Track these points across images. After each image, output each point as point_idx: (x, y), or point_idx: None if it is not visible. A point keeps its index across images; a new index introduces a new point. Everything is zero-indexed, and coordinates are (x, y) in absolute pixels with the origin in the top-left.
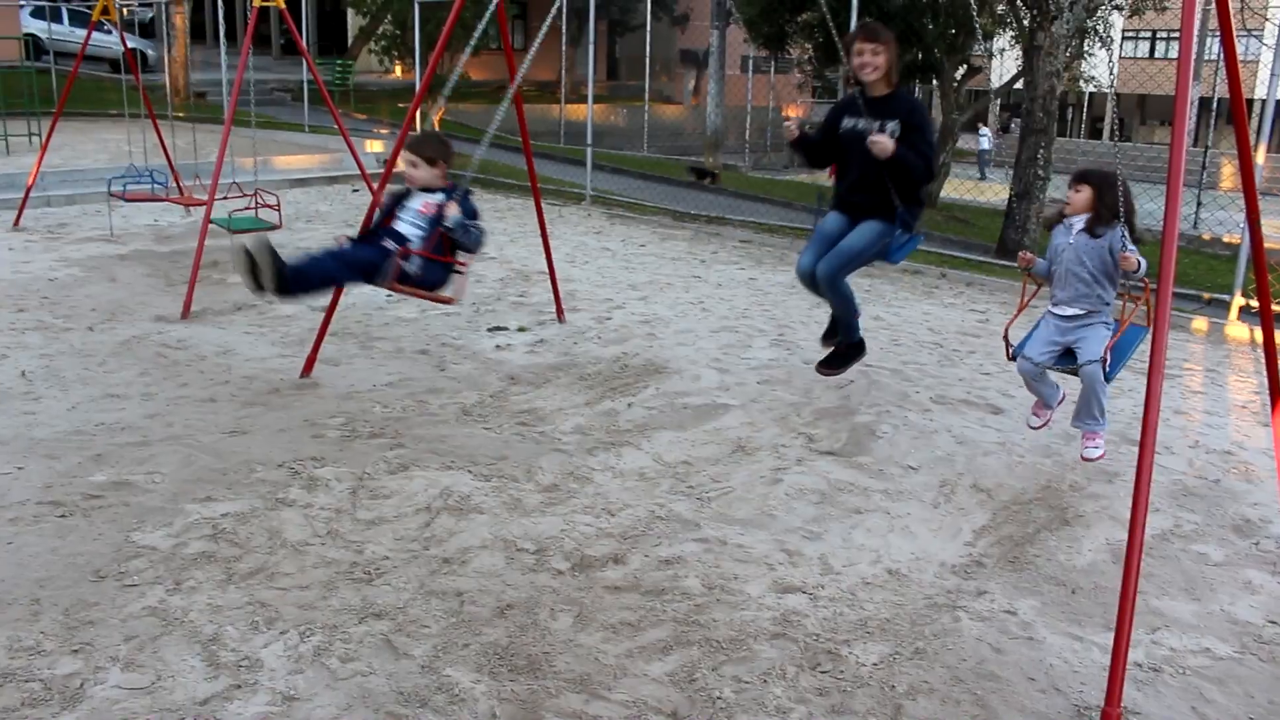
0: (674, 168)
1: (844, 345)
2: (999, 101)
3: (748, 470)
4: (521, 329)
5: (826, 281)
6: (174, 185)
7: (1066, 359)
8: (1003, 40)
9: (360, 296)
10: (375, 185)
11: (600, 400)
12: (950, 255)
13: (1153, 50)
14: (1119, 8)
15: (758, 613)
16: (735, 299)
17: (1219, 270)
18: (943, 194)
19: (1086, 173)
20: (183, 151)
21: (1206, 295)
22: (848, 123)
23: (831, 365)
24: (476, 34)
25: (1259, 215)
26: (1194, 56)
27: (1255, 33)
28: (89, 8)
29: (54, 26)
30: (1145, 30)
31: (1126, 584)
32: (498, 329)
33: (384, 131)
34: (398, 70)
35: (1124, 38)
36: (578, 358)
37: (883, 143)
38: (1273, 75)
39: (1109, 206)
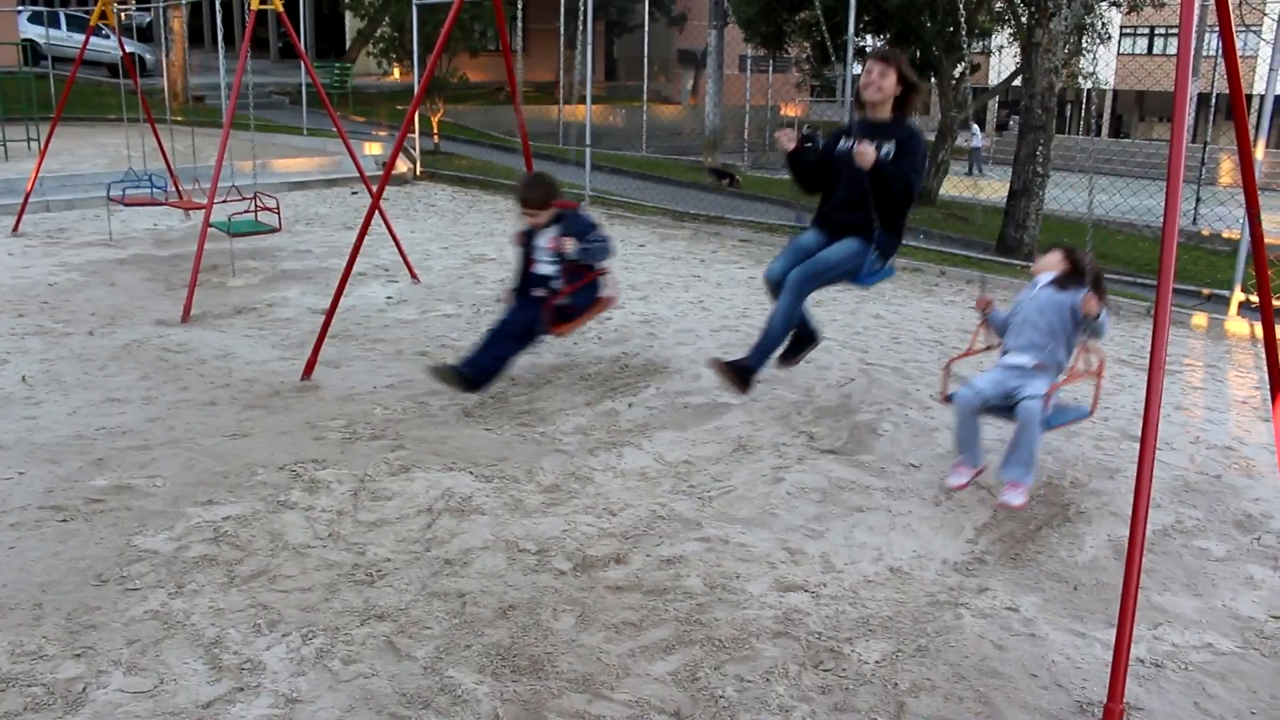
0: (673, 168)
1: (746, 363)
2: (998, 99)
3: (749, 469)
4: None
5: (794, 285)
6: (173, 189)
7: (1007, 412)
8: (1001, 37)
9: (360, 299)
10: (374, 188)
11: (601, 400)
12: (950, 253)
13: (1151, 46)
14: (1117, 4)
15: (760, 611)
16: (735, 298)
17: (1218, 265)
18: (941, 191)
19: (1071, 248)
20: (181, 155)
21: (1206, 291)
22: (844, 144)
23: (728, 367)
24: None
25: (1259, 210)
26: (1192, 52)
27: (1254, 28)
28: (87, 13)
29: (52, 32)
30: (1144, 27)
31: (1128, 580)
32: None
33: (382, 134)
34: (396, 73)
35: (1122, 34)
36: (578, 358)
37: (867, 151)
38: (1271, 70)
39: (1080, 268)
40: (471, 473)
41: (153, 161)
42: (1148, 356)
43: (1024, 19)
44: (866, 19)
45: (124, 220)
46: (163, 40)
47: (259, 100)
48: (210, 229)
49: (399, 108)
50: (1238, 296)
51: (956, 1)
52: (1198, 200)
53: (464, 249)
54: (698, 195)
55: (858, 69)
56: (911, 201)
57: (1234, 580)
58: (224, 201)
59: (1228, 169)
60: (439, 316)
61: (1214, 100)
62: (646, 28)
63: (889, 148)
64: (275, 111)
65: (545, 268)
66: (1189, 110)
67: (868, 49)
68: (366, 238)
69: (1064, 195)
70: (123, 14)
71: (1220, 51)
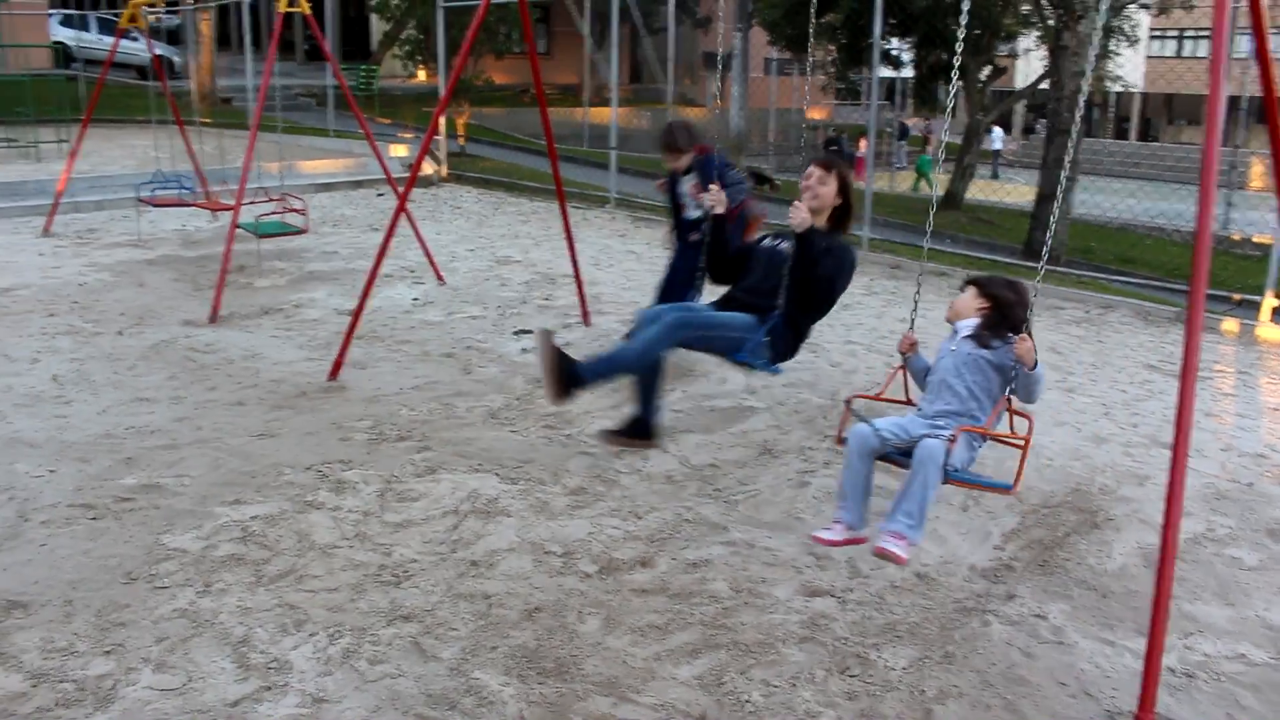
0: None
1: (638, 419)
2: (1024, 102)
3: (774, 473)
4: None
5: (670, 324)
6: (201, 190)
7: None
8: (1028, 40)
9: (386, 300)
10: (400, 189)
11: (626, 403)
12: (976, 257)
13: (1180, 49)
14: (1146, 6)
15: (786, 616)
16: None
17: (1249, 270)
18: (967, 195)
19: (979, 278)
20: (209, 157)
21: (1237, 296)
22: (768, 241)
23: (623, 434)
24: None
25: None
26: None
27: None
28: (117, 16)
29: (83, 35)
30: (1173, 29)
31: (1160, 588)
32: (523, 332)
33: (408, 135)
34: (421, 74)
35: (1151, 36)
36: None
37: (802, 212)
38: None
39: (1004, 320)
40: (497, 474)
41: (181, 163)
42: (1177, 362)
43: (1051, 22)
44: (893, 21)
45: (152, 221)
46: (191, 43)
47: (286, 102)
48: (237, 230)
49: (425, 110)
50: (1270, 302)
51: (983, 4)
52: (1228, 204)
53: (489, 251)
54: None
55: (884, 72)
56: (828, 304)
57: (1267, 590)
58: (251, 203)
59: (1258, 172)
60: (465, 318)
61: (1245, 103)
62: (671, 31)
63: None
64: (302, 113)
65: (693, 212)
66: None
67: (894, 52)
68: (393, 239)
69: (1092, 199)
70: (152, 17)
71: (1252, 53)
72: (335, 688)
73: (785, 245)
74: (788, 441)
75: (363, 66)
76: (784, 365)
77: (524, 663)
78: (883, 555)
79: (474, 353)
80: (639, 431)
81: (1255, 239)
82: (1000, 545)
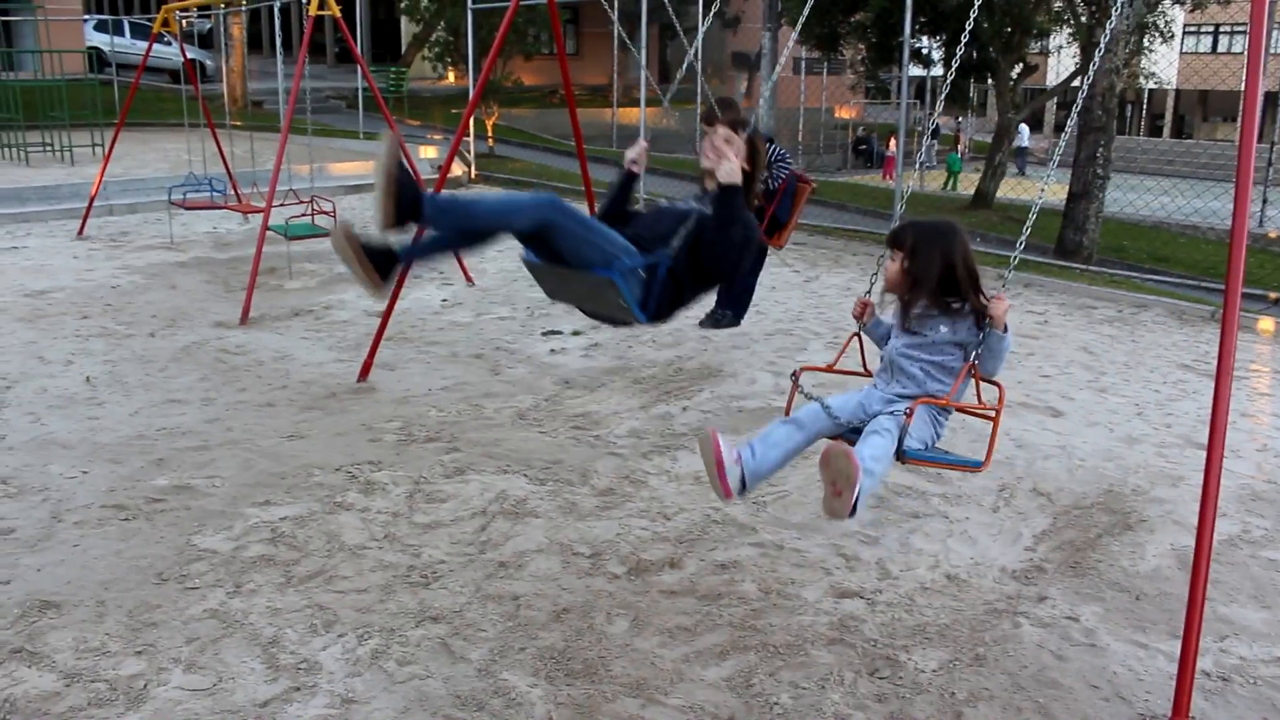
0: None
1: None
2: (1056, 100)
3: (804, 474)
4: (576, 333)
5: (545, 201)
6: (232, 193)
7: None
8: (1060, 38)
9: (415, 301)
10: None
11: (655, 404)
12: (1007, 255)
13: (1215, 45)
14: (1180, 2)
15: (815, 618)
16: (789, 302)
17: None
18: (998, 194)
19: (896, 231)
20: (241, 160)
21: (1273, 295)
22: (666, 203)
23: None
24: None
25: None
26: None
27: None
28: (150, 21)
29: (116, 39)
30: (1208, 24)
31: (1194, 590)
32: (552, 333)
33: (438, 137)
34: (451, 76)
35: (1185, 32)
36: (632, 361)
37: (734, 164)
38: None
39: (924, 282)
40: (526, 475)
41: (213, 166)
42: (1212, 362)
43: (1084, 19)
44: (923, 20)
45: (184, 223)
46: (223, 47)
47: (316, 105)
48: (268, 232)
49: (454, 111)
50: None
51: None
52: (1264, 201)
53: (518, 252)
54: None
55: (914, 70)
56: (720, 276)
57: None
58: (282, 205)
59: None
60: (494, 319)
61: None
62: (701, 30)
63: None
64: (332, 116)
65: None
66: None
67: (924, 50)
68: None
69: (1124, 197)
70: (184, 21)
71: None
72: (364, 688)
73: (687, 205)
74: (817, 443)
75: (392, 68)
76: (650, 326)
77: (552, 664)
78: (834, 454)
79: (503, 354)
80: (382, 262)
81: None
82: (1031, 547)
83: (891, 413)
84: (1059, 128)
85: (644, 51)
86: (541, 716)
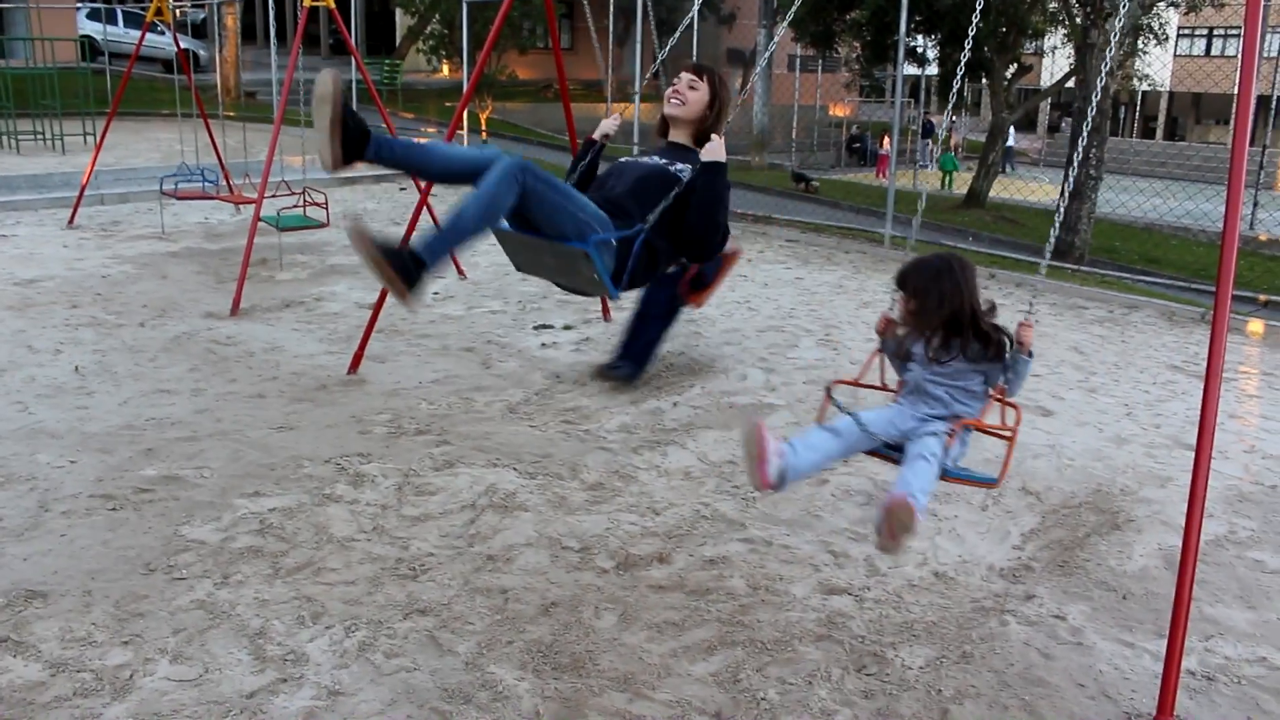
0: None
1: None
2: (1049, 100)
3: None
4: (567, 327)
5: (514, 171)
6: (224, 184)
7: (897, 451)
8: (1054, 38)
9: None
10: (422, 185)
11: (645, 399)
12: (999, 255)
13: (1209, 48)
14: (1175, 4)
15: (803, 614)
16: (781, 298)
17: (1276, 271)
18: (991, 193)
19: (902, 272)
20: (233, 150)
21: (1263, 297)
22: (638, 155)
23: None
24: None
25: None
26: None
27: None
28: (143, 9)
29: (109, 28)
30: (1202, 27)
31: (1180, 590)
32: (543, 327)
33: (431, 130)
34: (445, 69)
35: (1179, 35)
36: None
37: (718, 144)
38: None
39: (932, 321)
40: (515, 469)
41: (205, 156)
42: (1202, 363)
43: (1079, 20)
44: (918, 19)
45: (176, 214)
46: (216, 37)
47: (310, 96)
48: (260, 223)
49: (448, 104)
50: None
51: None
52: (1255, 205)
53: None
54: (744, 194)
55: (909, 69)
56: (716, 242)
57: None
58: (274, 196)
59: None
60: (485, 313)
61: (1274, 103)
62: (695, 26)
63: (685, 169)
64: None
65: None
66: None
67: (919, 49)
68: (414, 234)
69: (1116, 198)
70: (178, 10)
71: None
72: (351, 680)
73: (648, 159)
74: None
75: (387, 61)
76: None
77: (540, 658)
78: (894, 503)
79: (494, 347)
80: (408, 272)
81: None
82: (1019, 545)
83: (934, 433)
84: (1052, 129)
85: (639, 47)
86: (528, 710)
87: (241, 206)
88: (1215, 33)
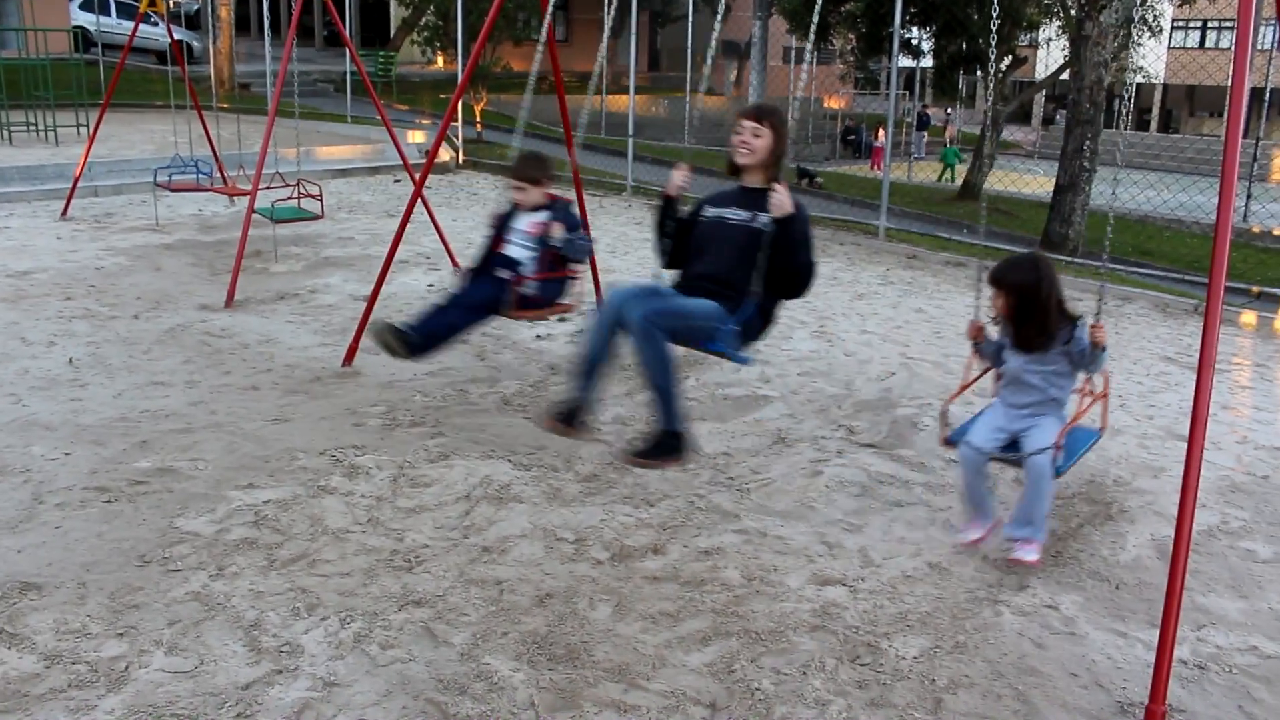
0: (716, 159)
1: (663, 431)
2: (1044, 92)
3: (788, 462)
4: (562, 319)
5: (641, 324)
6: (218, 175)
7: (1013, 449)
8: (1049, 30)
9: (401, 286)
10: (417, 176)
11: (640, 390)
12: (994, 247)
13: (1203, 40)
14: None
15: (797, 604)
16: None
17: (1269, 263)
18: (986, 185)
19: (996, 275)
20: (227, 142)
21: (1255, 289)
22: (711, 212)
23: (647, 455)
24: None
25: None
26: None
27: None
28: (136, 0)
29: (102, 19)
30: (1195, 20)
31: (1173, 580)
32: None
33: (426, 122)
34: (440, 61)
35: (1173, 27)
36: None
37: (783, 198)
38: None
39: (1027, 315)
40: (510, 461)
41: (199, 148)
42: (1195, 355)
43: (1073, 11)
44: (914, 10)
45: (170, 205)
46: (210, 28)
47: (304, 88)
48: (254, 215)
49: (442, 96)
50: None
51: None
52: (1248, 196)
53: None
54: None
55: (904, 61)
56: (809, 282)
57: None
58: (268, 188)
59: (1279, 165)
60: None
61: (1268, 95)
62: (690, 18)
63: (768, 220)
64: (320, 99)
65: (517, 251)
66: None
67: (914, 41)
68: (409, 225)
69: (1111, 190)
70: (171, 2)
71: (1275, 45)
72: (346, 672)
73: (731, 213)
74: (801, 430)
75: (381, 53)
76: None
77: (535, 648)
78: (1018, 564)
79: (488, 339)
80: (571, 420)
81: (1276, 231)
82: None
83: (1042, 450)
84: (1047, 121)
85: (634, 39)
86: (524, 700)
87: (235, 198)
88: (1209, 25)
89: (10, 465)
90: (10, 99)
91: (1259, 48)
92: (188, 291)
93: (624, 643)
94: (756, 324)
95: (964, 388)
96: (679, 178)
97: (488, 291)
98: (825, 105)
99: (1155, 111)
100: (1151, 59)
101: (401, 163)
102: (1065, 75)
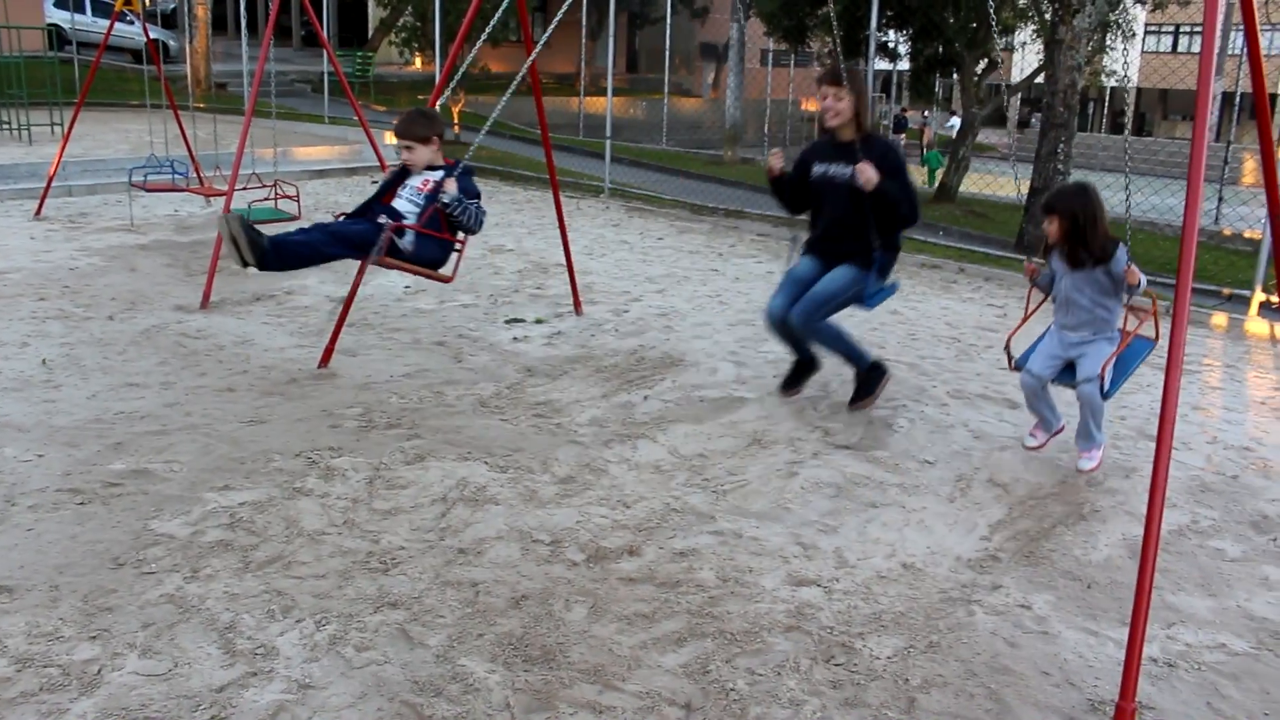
0: (692, 161)
1: (861, 373)
2: (1019, 96)
3: (763, 463)
4: (539, 321)
5: (803, 328)
6: (194, 176)
7: (1069, 374)
8: (1024, 34)
9: (378, 288)
10: None
11: (617, 392)
12: (969, 249)
13: (1176, 44)
14: (1141, 1)
15: (772, 605)
16: (753, 292)
17: (1240, 266)
18: (961, 188)
19: (1050, 202)
20: (203, 142)
21: (1227, 291)
22: (819, 168)
23: (860, 397)
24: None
25: None
26: (1217, 50)
27: None
28: None
29: (77, 17)
30: (1168, 24)
31: (1142, 579)
32: (515, 321)
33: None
34: (418, 62)
35: (1146, 32)
36: (594, 350)
37: (869, 173)
38: None
39: (1075, 233)
40: (486, 463)
41: (175, 148)
42: (1165, 356)
43: (1047, 15)
44: (889, 14)
45: (145, 206)
46: (186, 27)
47: (281, 88)
48: None
49: (420, 97)
50: (1258, 297)
51: None
52: (1220, 199)
53: (482, 239)
54: (717, 189)
55: (880, 64)
56: (917, 217)
57: (1249, 581)
58: (244, 188)
59: (1251, 168)
60: (457, 306)
61: (1238, 99)
62: (669, 20)
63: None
64: (297, 99)
65: (405, 205)
66: (1212, 109)
67: (890, 44)
68: None
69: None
70: (147, 0)
71: (1245, 50)
72: (321, 674)
73: (835, 169)
74: (777, 432)
75: (359, 53)
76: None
77: (510, 650)
78: (1081, 471)
79: (465, 341)
80: (875, 372)
81: (1246, 234)
82: (987, 536)
83: (1089, 380)
84: (1023, 124)
85: (611, 40)
86: (499, 702)
87: (212, 199)
88: (1182, 29)
89: None
90: None
91: (1229, 53)
92: (163, 292)
93: (599, 644)
94: (889, 259)
95: (1024, 321)
96: (776, 162)
97: (360, 230)
98: (803, 108)
99: (1129, 114)
100: (1124, 63)
101: (379, 163)
102: (1040, 79)
